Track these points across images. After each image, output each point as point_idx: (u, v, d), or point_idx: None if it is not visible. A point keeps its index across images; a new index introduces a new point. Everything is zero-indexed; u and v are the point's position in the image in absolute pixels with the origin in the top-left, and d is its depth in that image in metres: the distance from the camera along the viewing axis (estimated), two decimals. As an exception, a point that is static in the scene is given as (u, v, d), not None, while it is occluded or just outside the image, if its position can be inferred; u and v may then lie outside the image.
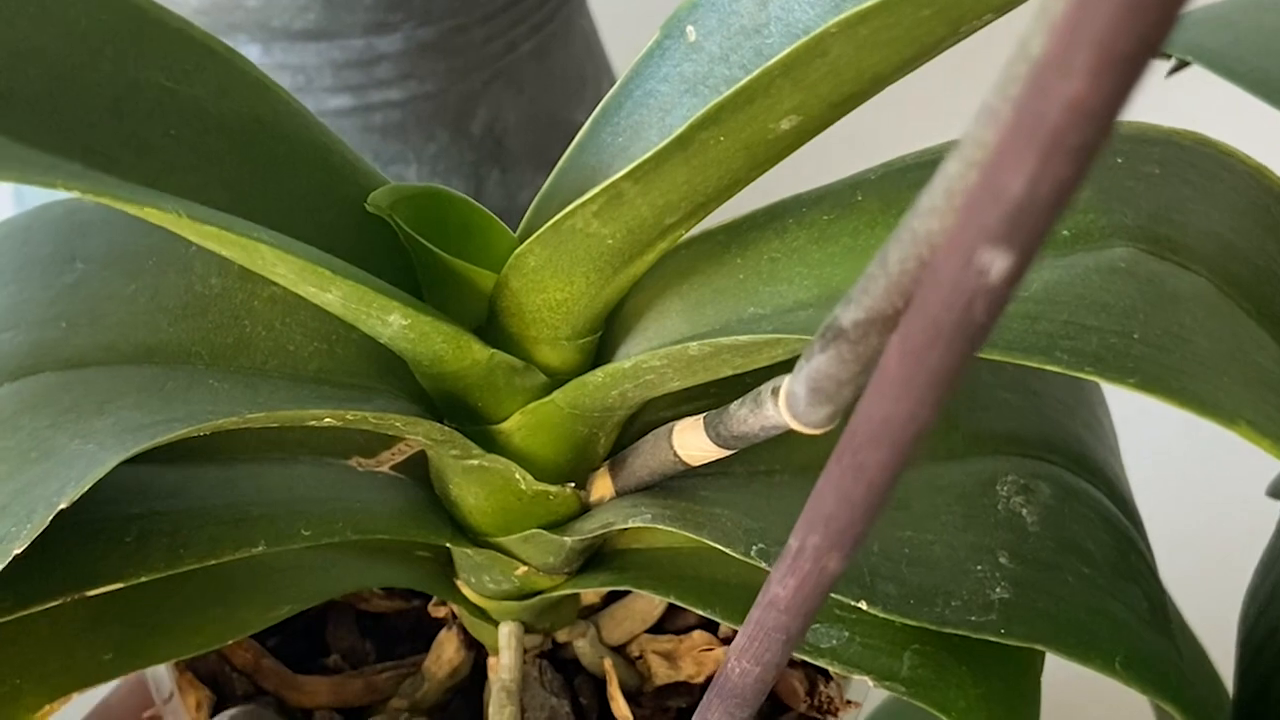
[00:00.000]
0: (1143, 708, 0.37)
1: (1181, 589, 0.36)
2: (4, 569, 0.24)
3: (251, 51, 0.48)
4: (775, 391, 0.23)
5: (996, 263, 0.14)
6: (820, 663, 0.28)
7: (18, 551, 0.24)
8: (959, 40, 0.22)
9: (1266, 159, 0.29)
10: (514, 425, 0.28)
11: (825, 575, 0.20)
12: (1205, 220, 0.27)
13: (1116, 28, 0.12)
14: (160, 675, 0.33)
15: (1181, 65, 0.34)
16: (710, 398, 0.29)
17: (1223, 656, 0.35)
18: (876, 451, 0.17)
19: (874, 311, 0.18)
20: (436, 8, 0.48)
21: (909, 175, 0.28)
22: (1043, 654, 0.29)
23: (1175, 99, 0.32)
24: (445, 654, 0.33)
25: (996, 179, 0.14)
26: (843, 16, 0.20)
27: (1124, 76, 0.13)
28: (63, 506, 0.24)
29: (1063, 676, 0.35)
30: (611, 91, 0.27)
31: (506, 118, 0.51)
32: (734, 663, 0.23)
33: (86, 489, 0.24)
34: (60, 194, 0.27)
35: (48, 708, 0.28)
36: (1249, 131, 0.34)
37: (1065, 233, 0.26)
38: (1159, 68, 0.35)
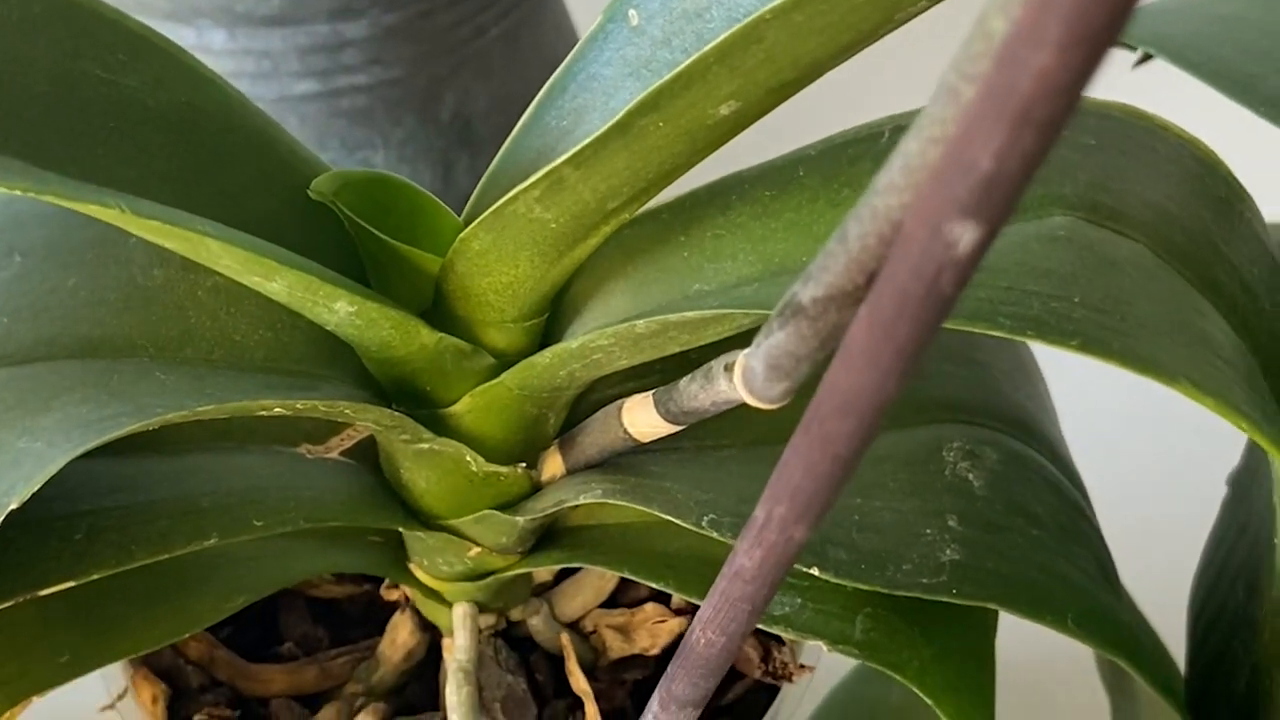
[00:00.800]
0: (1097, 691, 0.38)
1: (1134, 576, 0.37)
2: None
3: (216, 37, 0.48)
4: (729, 367, 0.23)
5: (965, 235, 0.15)
6: (775, 630, 0.28)
7: (-30, 553, 0.24)
8: (896, 27, 0.22)
9: (1226, 150, 0.30)
10: (463, 408, 0.28)
11: (791, 545, 0.21)
12: (1141, 189, 0.27)
13: (1087, 2, 0.13)
14: (111, 672, 0.33)
15: (1146, 58, 0.34)
16: (657, 374, 0.30)
17: (1174, 643, 0.36)
18: (844, 422, 0.18)
19: (833, 288, 0.18)
20: (402, -8, 0.48)
21: (848, 150, 0.28)
22: (995, 615, 0.30)
23: (1139, 92, 0.33)
24: (399, 637, 0.33)
25: (965, 153, 0.14)
26: (778, 3, 0.20)
27: (1093, 50, 0.13)
28: (13, 507, 0.24)
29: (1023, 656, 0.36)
30: (555, 74, 0.27)
31: (475, 103, 0.51)
32: (699, 633, 0.24)
33: (36, 488, 0.24)
34: (-3, 190, 0.26)
35: (8, 715, 0.27)
36: (1208, 122, 0.35)
37: (1004, 201, 0.26)
38: (1123, 59, 0.35)
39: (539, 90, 0.55)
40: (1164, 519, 0.48)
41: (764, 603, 0.22)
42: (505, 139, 0.28)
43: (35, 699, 0.28)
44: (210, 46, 0.48)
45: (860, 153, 0.28)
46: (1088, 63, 0.13)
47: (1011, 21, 0.13)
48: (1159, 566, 0.39)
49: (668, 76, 0.22)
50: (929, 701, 0.28)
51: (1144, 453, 0.58)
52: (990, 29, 0.14)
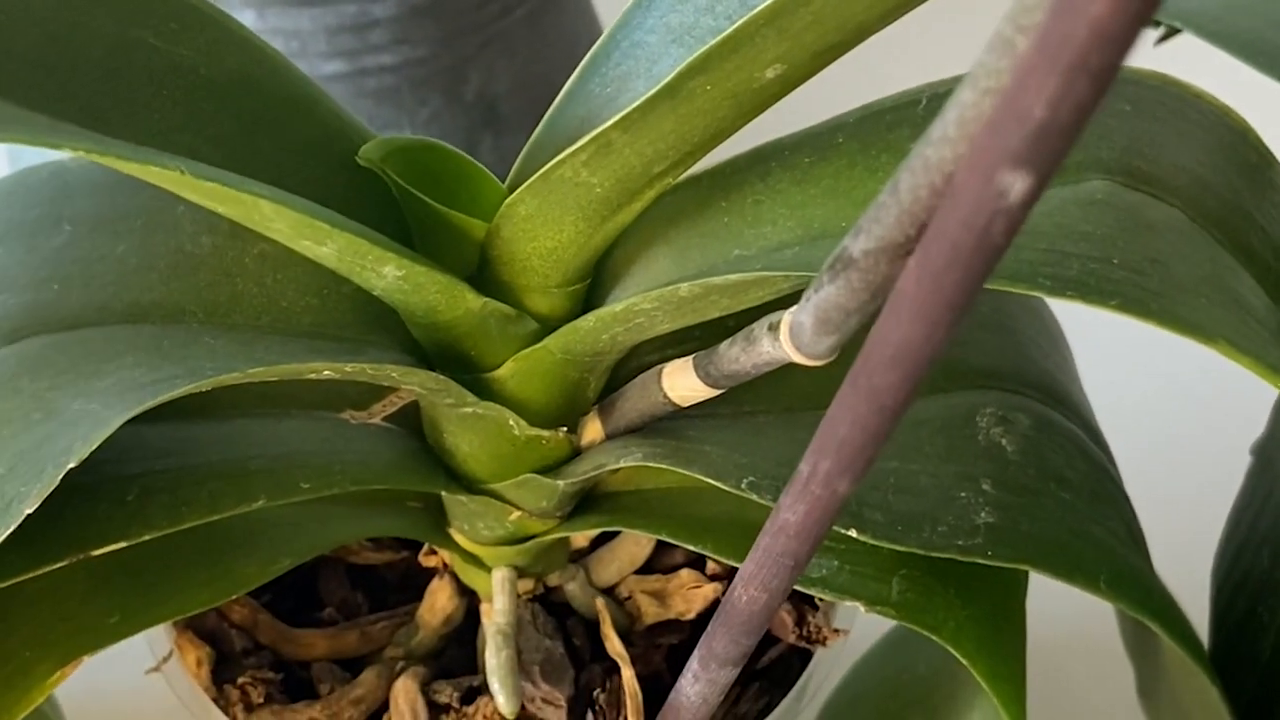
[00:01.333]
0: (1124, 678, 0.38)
1: (1154, 544, 0.37)
2: (13, 531, 0.25)
3: (246, 17, 0.48)
4: (773, 327, 0.24)
5: (1016, 184, 0.15)
6: (812, 591, 0.29)
7: (29, 511, 0.24)
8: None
9: (1254, 120, 0.30)
10: (507, 372, 0.28)
11: (835, 499, 0.21)
12: (1176, 155, 0.28)
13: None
14: (156, 636, 0.34)
15: (1171, 32, 0.34)
16: (695, 340, 0.30)
17: (1193, 611, 0.36)
18: (892, 374, 0.18)
19: (885, 240, 0.19)
20: (430, -28, 0.48)
21: (886, 117, 0.28)
22: (1026, 577, 0.30)
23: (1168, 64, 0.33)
24: (438, 602, 0.33)
25: (1019, 101, 0.14)
26: (831, -38, 0.21)
27: (1144, -1, 0.13)
28: (71, 465, 0.24)
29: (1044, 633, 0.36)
30: (599, 42, 0.27)
31: (500, 82, 0.51)
32: (741, 590, 0.24)
33: (94, 448, 0.25)
34: (49, 155, 0.27)
35: (59, 673, 0.28)
36: (1238, 93, 0.35)
37: (1041, 168, 0.27)
38: (1150, 34, 0.35)
39: (561, 70, 0.56)
40: (1186, 488, 0.49)
41: (806, 558, 0.23)
42: (528, 118, 0.28)
43: (85, 658, 0.29)
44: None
45: (898, 120, 0.28)
46: (1141, 10, 0.13)
47: (1068, -29, 0.14)
48: (1178, 536, 0.39)
49: (716, 39, 0.23)
50: (964, 661, 0.28)
51: (1167, 421, 0.58)
52: (1043, -19, 0.15)
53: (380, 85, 0.50)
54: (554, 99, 0.28)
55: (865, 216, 0.19)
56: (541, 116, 0.29)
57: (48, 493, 0.25)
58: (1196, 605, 0.35)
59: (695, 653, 0.27)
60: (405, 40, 0.50)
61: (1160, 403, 0.56)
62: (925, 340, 0.17)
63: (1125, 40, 0.14)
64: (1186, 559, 0.37)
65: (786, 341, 0.22)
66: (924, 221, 0.18)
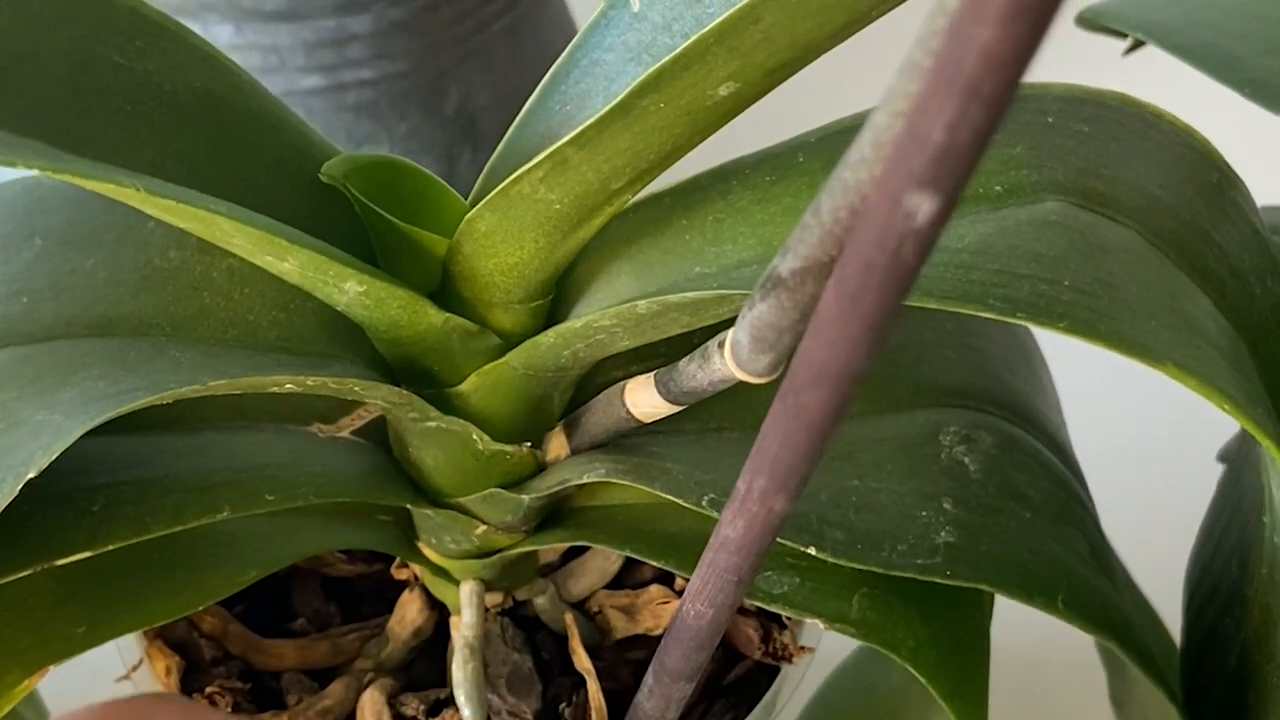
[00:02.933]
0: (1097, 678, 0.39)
1: (1134, 552, 0.37)
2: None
3: (223, 32, 0.49)
4: (721, 345, 0.24)
5: (924, 206, 0.15)
6: (773, 608, 0.29)
7: (-11, 521, 0.25)
8: (891, 8, 0.23)
9: (1220, 135, 0.30)
10: (470, 387, 0.29)
11: (772, 516, 0.21)
12: (1134, 176, 0.28)
13: (1025, -21, 0.13)
14: (126, 645, 0.34)
15: (1138, 45, 0.34)
16: (660, 357, 0.30)
17: (1172, 618, 0.36)
18: (817, 392, 0.18)
19: (810, 260, 0.19)
20: (408, -13, 0.49)
21: (846, 136, 0.28)
22: (991, 596, 0.30)
23: (1131, 78, 0.33)
24: (408, 614, 0.33)
25: (920, 126, 0.15)
26: (776, -17, 0.21)
27: (1034, 24, 0.13)
28: (31, 476, 0.25)
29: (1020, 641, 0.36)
30: (559, 60, 0.28)
31: (478, 96, 0.52)
32: (689, 606, 0.24)
33: (54, 458, 0.25)
34: (22, 170, 0.27)
35: (25, 683, 0.28)
36: (1201, 106, 0.35)
37: (998, 188, 0.27)
38: (1112, 47, 0.36)
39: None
40: (1167, 496, 0.49)
41: (749, 574, 0.23)
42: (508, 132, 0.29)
43: (51, 668, 0.29)
44: (217, 41, 0.49)
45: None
46: (1030, 37, 0.13)
47: (960, -2, 0.14)
48: (1161, 543, 0.39)
49: (668, 58, 0.23)
50: (923, 680, 0.28)
51: (1148, 428, 0.58)
52: (948, 4, 0.15)
53: (359, 100, 0.51)
54: (530, 113, 0.29)
55: (792, 237, 0.19)
56: (521, 130, 0.29)
57: (7, 502, 0.25)
58: (1178, 613, 0.35)
59: (650, 667, 0.27)
60: (384, 55, 0.50)
61: (1141, 406, 0.56)
62: (847, 359, 0.18)
63: (1016, 67, 0.14)
64: (1171, 566, 0.37)
65: (729, 359, 0.22)
66: (845, 242, 0.18)
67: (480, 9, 0.52)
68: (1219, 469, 0.36)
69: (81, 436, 0.25)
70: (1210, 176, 0.29)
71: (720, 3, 0.26)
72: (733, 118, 0.25)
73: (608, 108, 0.24)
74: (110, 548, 0.28)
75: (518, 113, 0.29)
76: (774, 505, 0.21)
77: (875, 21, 0.24)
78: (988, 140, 0.14)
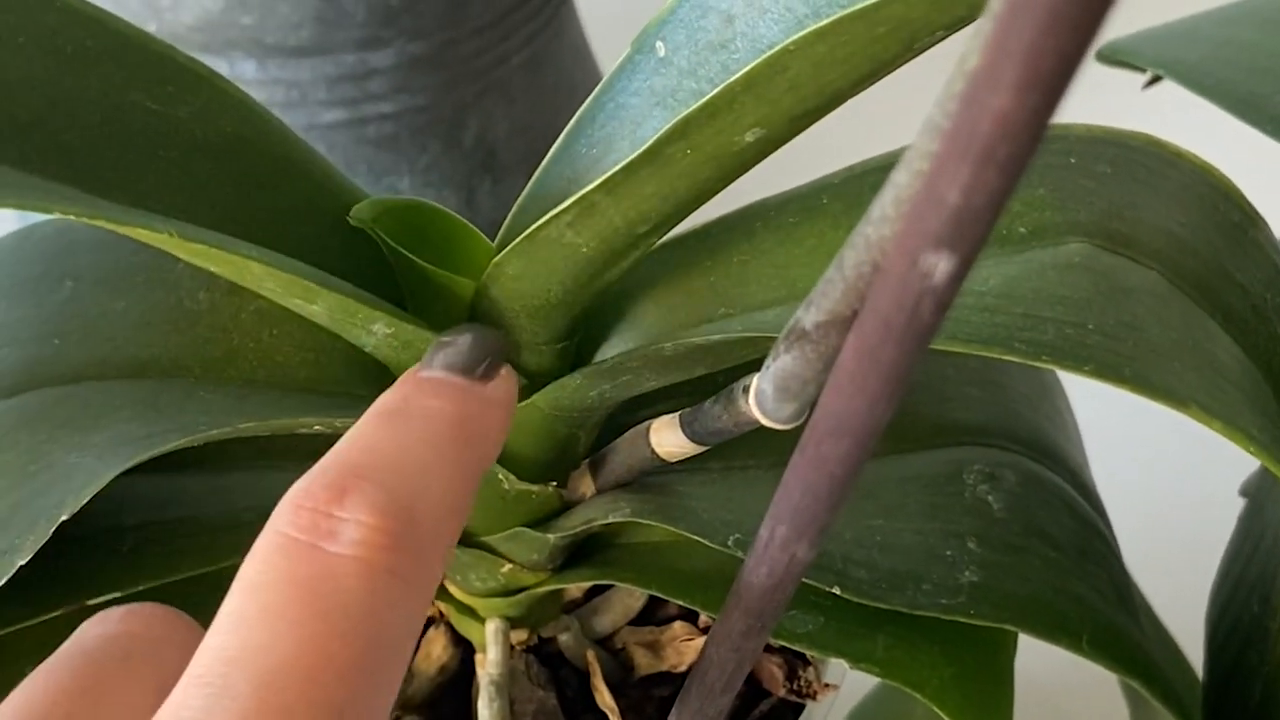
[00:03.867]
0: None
1: (1156, 584, 0.37)
2: (8, 581, 0.25)
3: (247, 67, 0.49)
4: (746, 389, 0.24)
5: (940, 265, 0.15)
6: (798, 647, 0.29)
7: (21, 563, 0.25)
8: (914, 56, 0.23)
9: (1238, 172, 0.30)
10: (497, 428, 0.29)
11: (795, 563, 0.21)
12: (1156, 216, 0.28)
13: (1038, 46, 0.13)
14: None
15: (1156, 79, 0.35)
16: (684, 397, 0.30)
17: (1196, 649, 0.36)
18: (837, 444, 0.18)
19: (832, 313, 0.19)
20: (428, 23, 0.49)
21: (870, 178, 0.29)
22: (1015, 636, 0.30)
23: (1155, 111, 0.33)
24: (434, 651, 0.34)
25: (937, 188, 0.15)
26: (801, 35, 0.21)
27: (1047, 91, 0.14)
28: (64, 518, 0.25)
29: (1041, 672, 0.36)
30: (585, 104, 0.28)
31: (497, 129, 0.52)
32: (713, 649, 0.24)
33: (86, 501, 0.25)
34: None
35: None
36: (1218, 140, 0.36)
37: (1022, 230, 0.27)
38: (1134, 80, 0.36)
39: (559, 116, 0.57)
40: (1189, 530, 0.48)
41: (773, 619, 0.23)
42: (526, 164, 0.29)
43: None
44: (241, 77, 0.50)
45: (881, 181, 0.28)
46: (1043, 104, 0.13)
47: (976, 63, 0.14)
48: (1183, 577, 0.39)
49: (695, 105, 0.23)
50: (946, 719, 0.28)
51: (1170, 463, 0.58)
52: (967, 67, 0.15)
53: (380, 133, 0.51)
54: (551, 145, 0.29)
55: (815, 290, 0.19)
56: (538, 162, 0.29)
57: (41, 544, 0.25)
58: (1200, 646, 0.35)
59: (674, 708, 0.27)
60: (404, 89, 0.51)
61: (1163, 442, 0.56)
62: (867, 412, 0.18)
63: (1030, 134, 0.14)
64: (1193, 600, 0.38)
65: (754, 406, 0.23)
66: (866, 296, 0.18)
67: (499, 43, 0.53)
68: (1240, 503, 0.36)
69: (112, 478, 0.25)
70: (1231, 215, 0.29)
71: (745, 49, 0.26)
72: (757, 163, 0.25)
73: (636, 154, 0.24)
74: (140, 588, 0.28)
75: (535, 144, 0.29)
76: (796, 552, 0.21)
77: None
78: (1004, 202, 0.15)
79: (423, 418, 0.22)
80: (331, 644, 0.19)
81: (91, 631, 0.22)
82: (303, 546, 0.20)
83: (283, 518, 0.20)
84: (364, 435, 0.22)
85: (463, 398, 0.23)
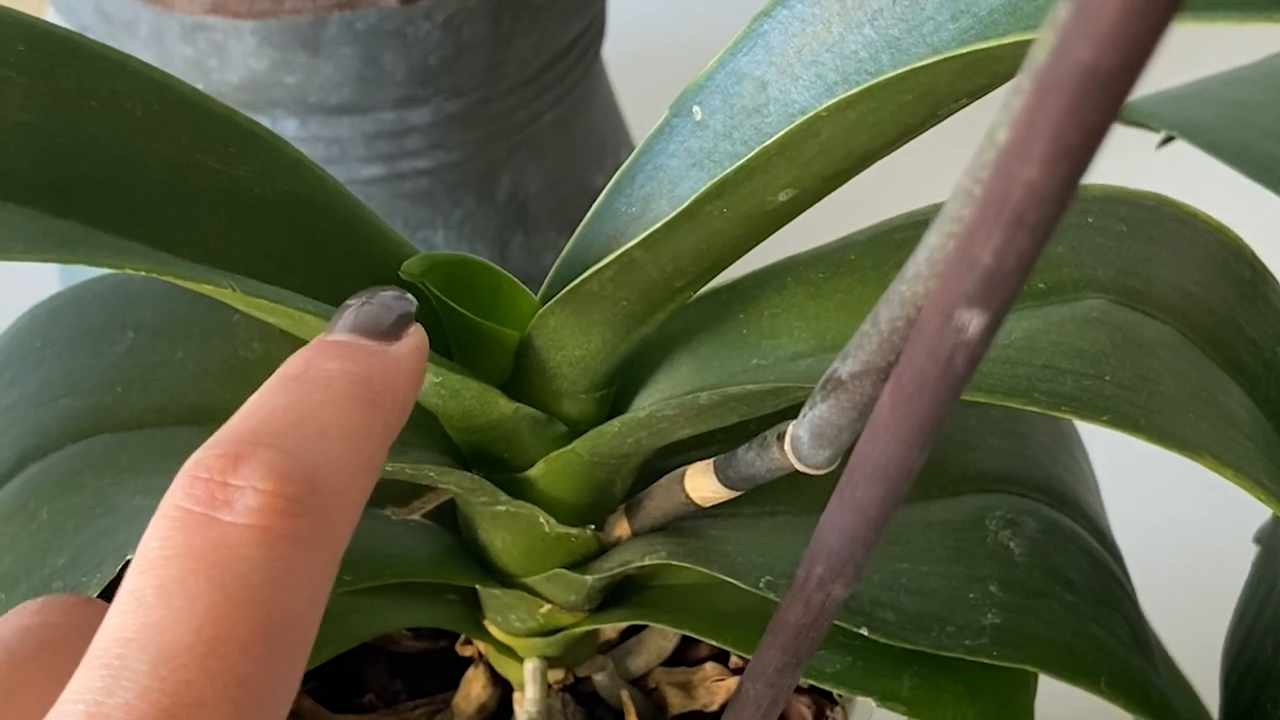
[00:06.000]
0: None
1: (1173, 630, 0.38)
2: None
3: (289, 125, 0.51)
4: (781, 436, 0.25)
5: (973, 321, 0.17)
6: (827, 686, 0.30)
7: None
8: (939, 121, 0.24)
9: (1248, 229, 0.32)
10: (538, 473, 0.30)
11: (831, 602, 0.22)
12: (1170, 273, 0.29)
13: (1066, 122, 0.15)
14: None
15: (1170, 139, 0.36)
16: (718, 444, 0.32)
17: (1212, 694, 0.37)
18: (873, 489, 0.20)
19: (868, 365, 0.20)
20: (463, 82, 0.51)
21: (895, 235, 0.30)
22: (1035, 677, 0.31)
23: (1165, 170, 0.35)
24: (473, 690, 0.35)
25: (970, 250, 0.16)
26: (832, 102, 0.22)
27: (1074, 163, 0.15)
28: (129, 557, 0.26)
29: (1061, 714, 0.37)
30: (625, 165, 0.29)
31: (529, 184, 0.54)
32: (748, 685, 0.25)
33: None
34: (118, 269, 0.29)
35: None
36: (1230, 198, 0.37)
37: (1042, 286, 0.28)
38: (1149, 140, 0.37)
39: (589, 172, 0.58)
40: (1204, 575, 0.49)
41: (807, 656, 0.24)
42: (557, 218, 0.30)
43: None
44: (283, 133, 0.51)
45: (907, 238, 0.30)
46: (1070, 175, 0.15)
47: (1006, 137, 0.15)
48: (1199, 621, 0.40)
49: (731, 167, 0.24)
50: (971, 757, 0.29)
51: (1185, 510, 0.59)
52: (996, 140, 0.17)
53: (416, 188, 0.53)
54: (582, 198, 0.30)
55: (851, 343, 0.20)
56: (570, 215, 0.31)
57: (107, 582, 0.27)
58: (1216, 690, 0.36)
59: (710, 744, 0.28)
60: (440, 145, 0.52)
61: (1179, 489, 0.57)
62: (902, 458, 0.19)
63: (1059, 201, 0.15)
64: (1209, 644, 0.38)
65: (789, 452, 0.24)
66: (901, 349, 0.19)
67: (532, 101, 0.54)
68: (1255, 549, 0.37)
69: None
70: (1243, 273, 0.30)
71: (778, 114, 0.28)
72: (789, 221, 0.27)
73: (674, 213, 0.25)
74: (196, 625, 0.29)
75: (566, 198, 0.30)
76: (832, 591, 0.22)
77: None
78: (1033, 263, 0.16)
79: (324, 380, 0.22)
80: (231, 614, 0.18)
81: (9, 624, 0.22)
82: (198, 518, 0.19)
83: (178, 491, 0.20)
84: (261, 402, 0.21)
85: (366, 358, 0.23)
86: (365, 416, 0.22)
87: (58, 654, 0.22)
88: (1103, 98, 0.14)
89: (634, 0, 0.70)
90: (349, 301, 0.24)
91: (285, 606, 0.19)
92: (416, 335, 0.24)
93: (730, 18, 0.29)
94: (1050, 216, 0.15)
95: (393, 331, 0.23)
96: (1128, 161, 0.42)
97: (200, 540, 0.19)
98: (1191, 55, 0.46)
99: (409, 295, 0.24)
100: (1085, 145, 0.14)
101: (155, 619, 0.18)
